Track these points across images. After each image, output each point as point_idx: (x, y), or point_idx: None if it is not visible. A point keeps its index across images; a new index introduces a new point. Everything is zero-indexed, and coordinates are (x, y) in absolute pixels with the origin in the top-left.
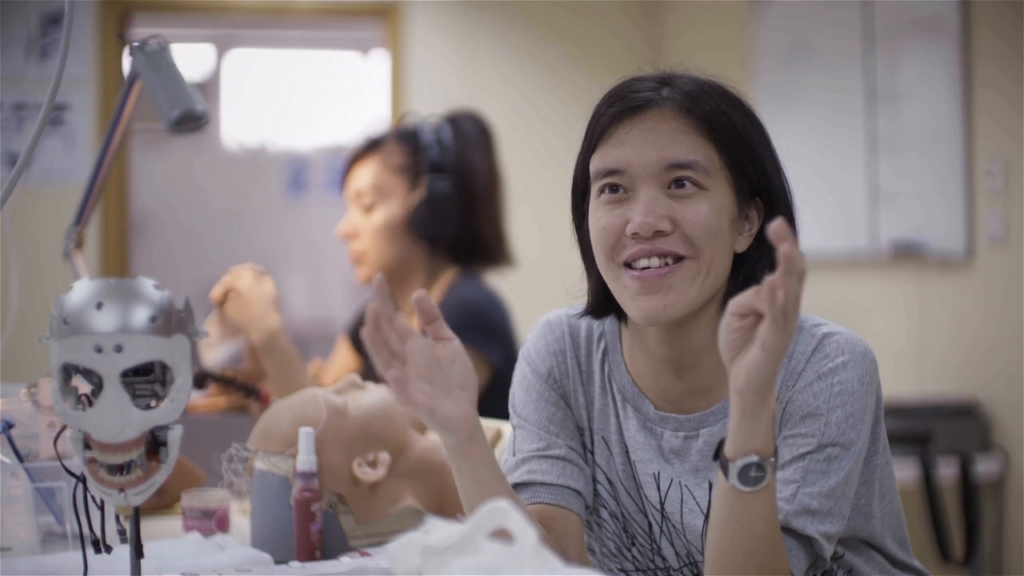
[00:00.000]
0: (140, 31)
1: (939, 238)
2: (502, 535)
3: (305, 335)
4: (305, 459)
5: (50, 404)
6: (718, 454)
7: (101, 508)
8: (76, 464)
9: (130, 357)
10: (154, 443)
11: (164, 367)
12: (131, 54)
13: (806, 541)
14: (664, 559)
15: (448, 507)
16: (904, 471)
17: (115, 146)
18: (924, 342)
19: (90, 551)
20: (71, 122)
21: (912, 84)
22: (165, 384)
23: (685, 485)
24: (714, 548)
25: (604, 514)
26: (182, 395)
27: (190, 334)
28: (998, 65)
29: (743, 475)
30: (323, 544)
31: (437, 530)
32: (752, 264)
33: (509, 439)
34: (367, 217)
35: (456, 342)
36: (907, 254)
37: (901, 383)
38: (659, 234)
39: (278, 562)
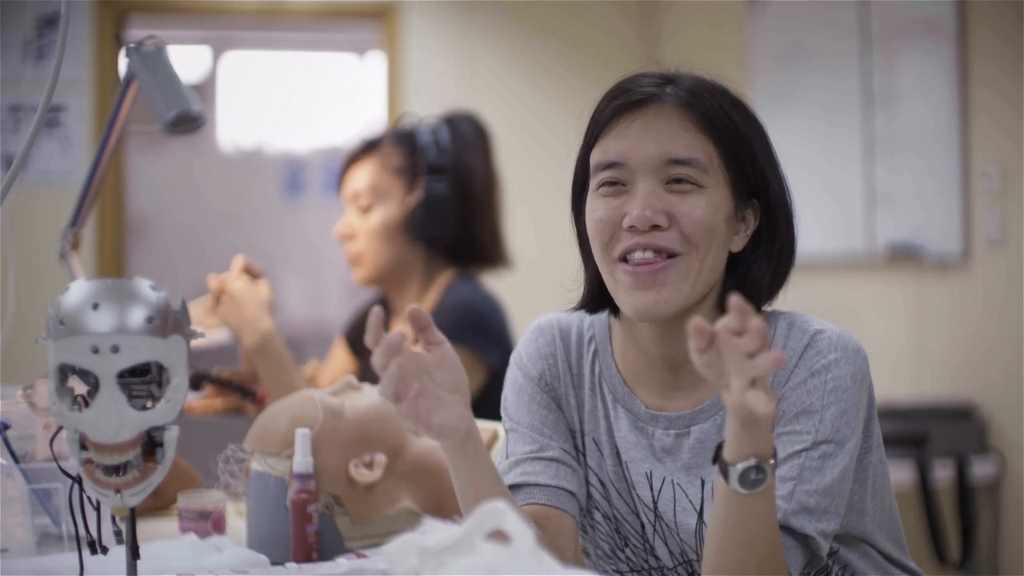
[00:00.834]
0: (136, 33)
1: (936, 240)
2: (499, 536)
3: (301, 337)
4: (301, 460)
5: (46, 405)
6: (716, 457)
7: (97, 509)
8: (72, 465)
9: (126, 358)
10: (150, 444)
11: (160, 368)
12: (127, 55)
13: (803, 540)
14: (658, 559)
15: (445, 508)
16: (900, 473)
17: (111, 147)
18: (921, 344)
19: (86, 552)
20: (67, 124)
21: (909, 85)
22: (161, 385)
23: (677, 483)
24: (713, 549)
25: (597, 516)
26: (178, 396)
27: (186, 335)
28: (995, 66)
29: (744, 478)
30: (319, 545)
31: (434, 531)
32: (748, 265)
33: (502, 442)
34: (364, 218)
35: (445, 346)
36: (904, 256)
37: (898, 385)
38: (655, 228)
39: (274, 563)
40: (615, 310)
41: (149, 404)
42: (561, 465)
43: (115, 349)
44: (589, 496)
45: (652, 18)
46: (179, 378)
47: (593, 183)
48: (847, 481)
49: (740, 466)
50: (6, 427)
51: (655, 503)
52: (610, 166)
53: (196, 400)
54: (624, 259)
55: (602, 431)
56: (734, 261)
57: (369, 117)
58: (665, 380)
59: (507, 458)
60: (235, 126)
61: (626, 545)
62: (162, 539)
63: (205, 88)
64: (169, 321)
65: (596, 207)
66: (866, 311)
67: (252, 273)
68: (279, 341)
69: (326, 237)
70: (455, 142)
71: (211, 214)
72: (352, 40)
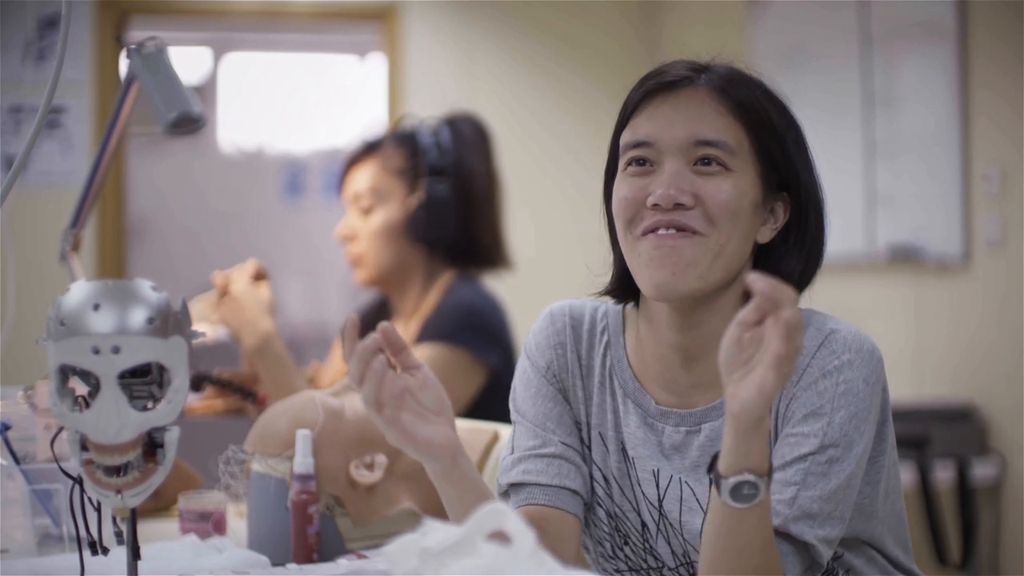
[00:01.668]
0: (137, 34)
1: (936, 242)
2: (500, 537)
3: (302, 338)
4: (302, 461)
5: (47, 406)
6: (712, 466)
7: (98, 510)
8: (73, 466)
9: (127, 358)
10: (151, 445)
11: (161, 368)
12: (128, 57)
13: (803, 547)
14: (657, 558)
15: (445, 510)
16: (901, 475)
17: (112, 149)
18: (921, 346)
19: (87, 553)
20: (68, 125)
21: (909, 87)
22: (162, 386)
23: (686, 481)
24: (707, 556)
25: (600, 513)
26: (179, 397)
27: (187, 336)
28: (996, 68)
29: (735, 492)
30: (320, 546)
31: (435, 532)
32: (777, 258)
33: (510, 433)
34: (365, 220)
35: (425, 369)
36: (904, 258)
37: (898, 387)
38: (679, 207)
39: (275, 564)
40: (639, 301)
41: (150, 405)
42: (563, 462)
43: (116, 350)
44: (593, 492)
45: (652, 18)
46: (180, 379)
47: (621, 163)
48: (853, 486)
49: (733, 480)
50: (7, 428)
51: (660, 501)
52: (638, 145)
53: (197, 401)
54: (646, 236)
55: (609, 426)
56: (762, 255)
57: (370, 118)
58: (677, 376)
59: (512, 452)
60: (236, 127)
61: (625, 543)
62: (163, 540)
63: (206, 89)
64: (170, 322)
65: (622, 186)
66: (866, 312)
67: (257, 276)
68: (279, 342)
69: (327, 238)
70: (456, 143)
71: (212, 215)
72: (353, 42)
